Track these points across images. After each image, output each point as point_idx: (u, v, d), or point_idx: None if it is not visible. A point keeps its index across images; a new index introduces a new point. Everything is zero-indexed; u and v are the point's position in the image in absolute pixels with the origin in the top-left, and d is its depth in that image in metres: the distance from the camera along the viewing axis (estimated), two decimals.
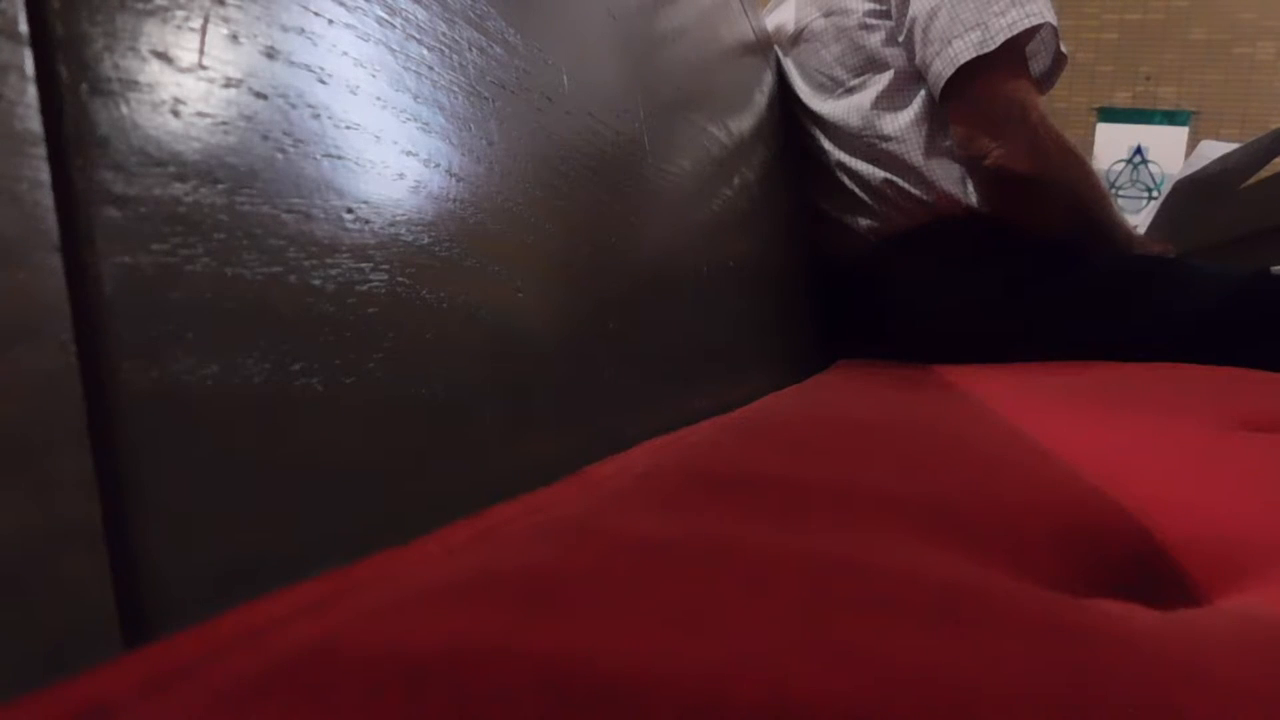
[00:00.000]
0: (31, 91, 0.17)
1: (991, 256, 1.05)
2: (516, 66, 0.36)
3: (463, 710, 0.13)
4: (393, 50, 0.27)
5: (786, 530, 0.24)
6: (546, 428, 0.36)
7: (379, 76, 0.27)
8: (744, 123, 0.86)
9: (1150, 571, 0.28)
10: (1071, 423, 0.50)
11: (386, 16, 0.27)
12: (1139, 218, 1.36)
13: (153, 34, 0.19)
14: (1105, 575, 0.27)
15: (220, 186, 0.20)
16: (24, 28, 0.17)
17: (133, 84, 0.19)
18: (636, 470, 0.32)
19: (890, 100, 1.08)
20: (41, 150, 0.17)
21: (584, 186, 0.42)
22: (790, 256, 1.04)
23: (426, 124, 0.29)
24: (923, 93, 1.06)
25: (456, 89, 0.31)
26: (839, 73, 1.12)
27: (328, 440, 0.23)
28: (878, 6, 1.07)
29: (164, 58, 0.19)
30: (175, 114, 0.20)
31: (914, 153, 1.07)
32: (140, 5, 0.19)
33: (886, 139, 1.08)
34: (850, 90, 1.11)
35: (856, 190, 1.13)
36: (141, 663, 0.16)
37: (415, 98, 0.28)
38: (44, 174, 0.17)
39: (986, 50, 0.96)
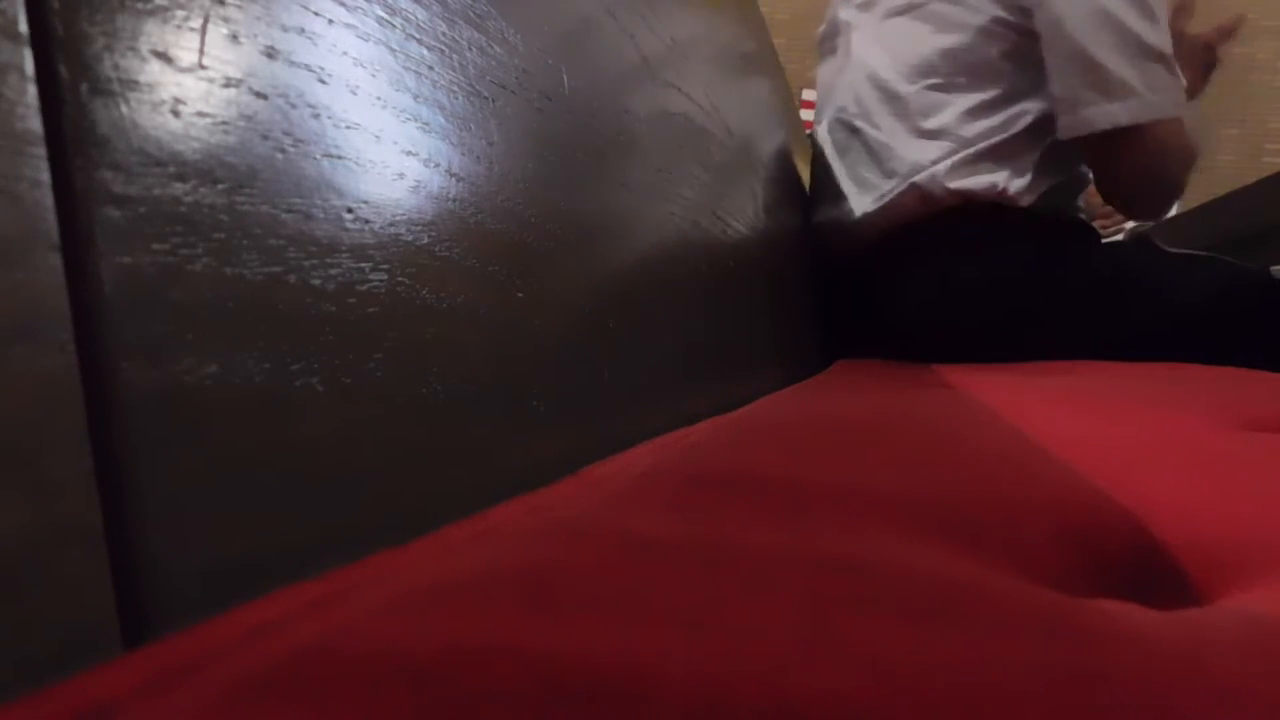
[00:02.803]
0: (31, 91, 0.17)
1: (992, 256, 1.04)
2: (516, 66, 0.36)
3: (463, 710, 0.13)
4: (393, 50, 0.27)
5: (787, 530, 0.24)
6: (546, 427, 0.36)
7: (379, 76, 0.27)
8: (746, 120, 0.86)
9: (1150, 571, 0.28)
10: (1071, 422, 0.50)
11: (386, 16, 0.27)
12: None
13: (153, 34, 0.19)
14: (1105, 575, 0.27)
15: (220, 186, 0.20)
16: (24, 28, 0.17)
17: (133, 84, 0.19)
18: (636, 470, 0.32)
19: (987, 111, 1.04)
20: (41, 150, 0.17)
21: (584, 186, 0.42)
22: (790, 256, 1.04)
23: (426, 124, 0.29)
24: (1020, 110, 1.03)
25: (456, 89, 0.31)
26: (939, 63, 1.06)
27: (328, 440, 0.23)
28: (1009, 17, 1.01)
29: (164, 57, 0.19)
30: (175, 114, 0.20)
31: (985, 159, 1.04)
32: (140, 5, 0.19)
33: (966, 142, 1.04)
34: (945, 88, 1.06)
35: (874, 175, 1.10)
36: (141, 663, 0.16)
37: (415, 97, 0.28)
38: (44, 174, 0.17)
39: (1139, 120, 0.96)
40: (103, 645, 0.17)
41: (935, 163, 1.04)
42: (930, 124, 1.06)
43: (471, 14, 0.33)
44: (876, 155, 1.10)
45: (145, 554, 0.18)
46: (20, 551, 0.15)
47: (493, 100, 0.34)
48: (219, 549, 0.20)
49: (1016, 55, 1.02)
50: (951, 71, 1.05)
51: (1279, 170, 1.34)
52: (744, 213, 0.78)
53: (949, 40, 1.04)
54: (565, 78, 0.41)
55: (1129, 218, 1.12)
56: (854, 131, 1.13)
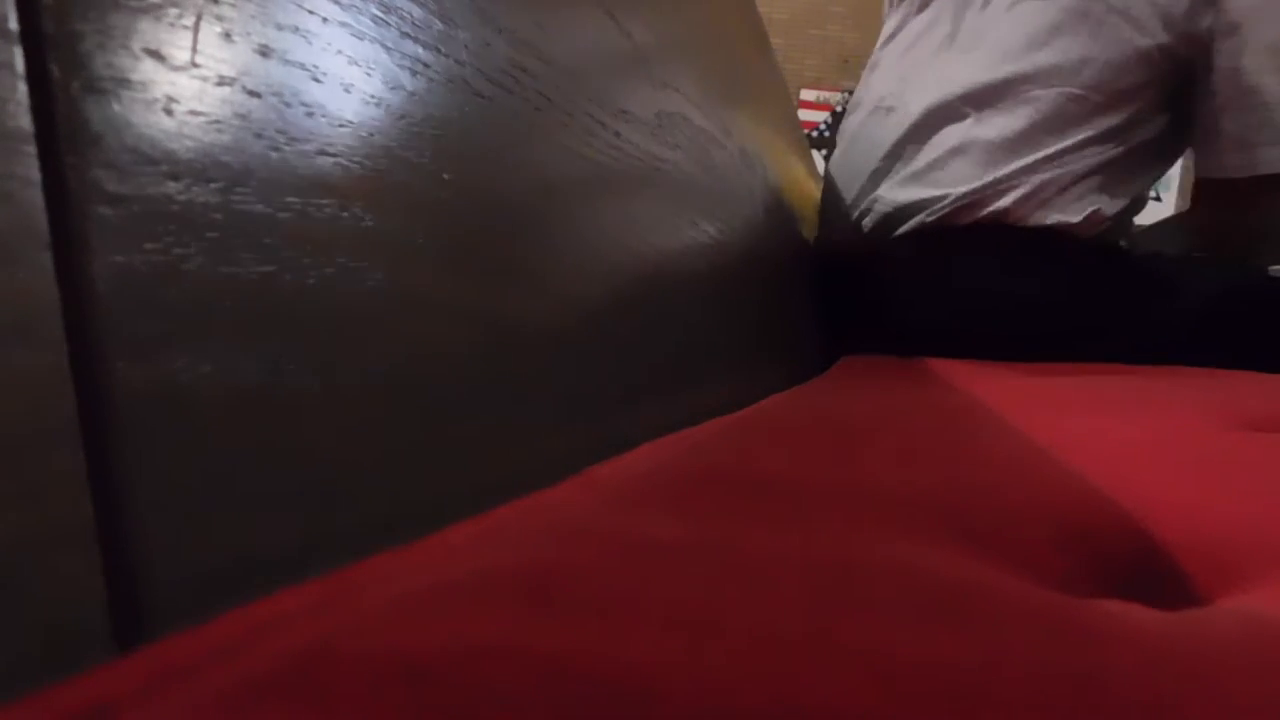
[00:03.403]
0: (22, 89, 0.17)
1: (1024, 271, 1.02)
2: (514, 65, 0.36)
3: (465, 710, 0.13)
4: (388, 48, 0.27)
5: (790, 531, 0.24)
6: (544, 427, 0.35)
7: (374, 75, 0.26)
8: (742, 121, 0.86)
9: (1151, 572, 0.28)
10: (1073, 423, 0.50)
11: (381, 14, 0.27)
12: (1139, 217, 1.36)
13: (145, 32, 0.19)
14: (1107, 575, 0.26)
15: (214, 185, 0.20)
16: (14, 25, 0.17)
17: (125, 82, 0.19)
18: (639, 470, 0.32)
19: (1110, 137, 0.98)
20: (32, 148, 0.17)
21: (582, 186, 0.42)
22: (788, 255, 1.04)
23: (422, 122, 0.29)
24: (1135, 138, 0.98)
25: (453, 88, 0.31)
26: (1084, 75, 0.96)
27: (322, 439, 0.23)
28: (1177, 47, 0.94)
29: (157, 56, 0.19)
30: (168, 112, 0.19)
31: (1088, 187, 0.98)
32: (133, 3, 0.19)
33: (1078, 165, 0.97)
34: (1080, 102, 0.96)
35: (970, 170, 1.01)
36: (143, 663, 0.16)
37: (411, 96, 0.28)
38: (35, 172, 0.17)
39: None
40: (95, 646, 0.17)
41: (1029, 183, 0.97)
42: (1052, 139, 0.97)
43: (468, 12, 0.33)
44: (975, 150, 1.00)
45: (137, 554, 0.18)
46: (11, 552, 0.15)
47: (490, 99, 0.33)
48: (212, 549, 0.19)
49: (1158, 84, 0.97)
50: (1093, 87, 0.96)
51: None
52: (741, 212, 0.78)
53: (1101, 52, 0.95)
54: (564, 77, 0.40)
55: (1216, 250, 1.09)
56: (953, 114, 1.02)
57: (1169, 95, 0.98)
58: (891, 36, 1.16)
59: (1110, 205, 0.99)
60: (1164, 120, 1.00)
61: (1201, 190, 1.06)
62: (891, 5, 1.19)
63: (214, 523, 0.19)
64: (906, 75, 1.11)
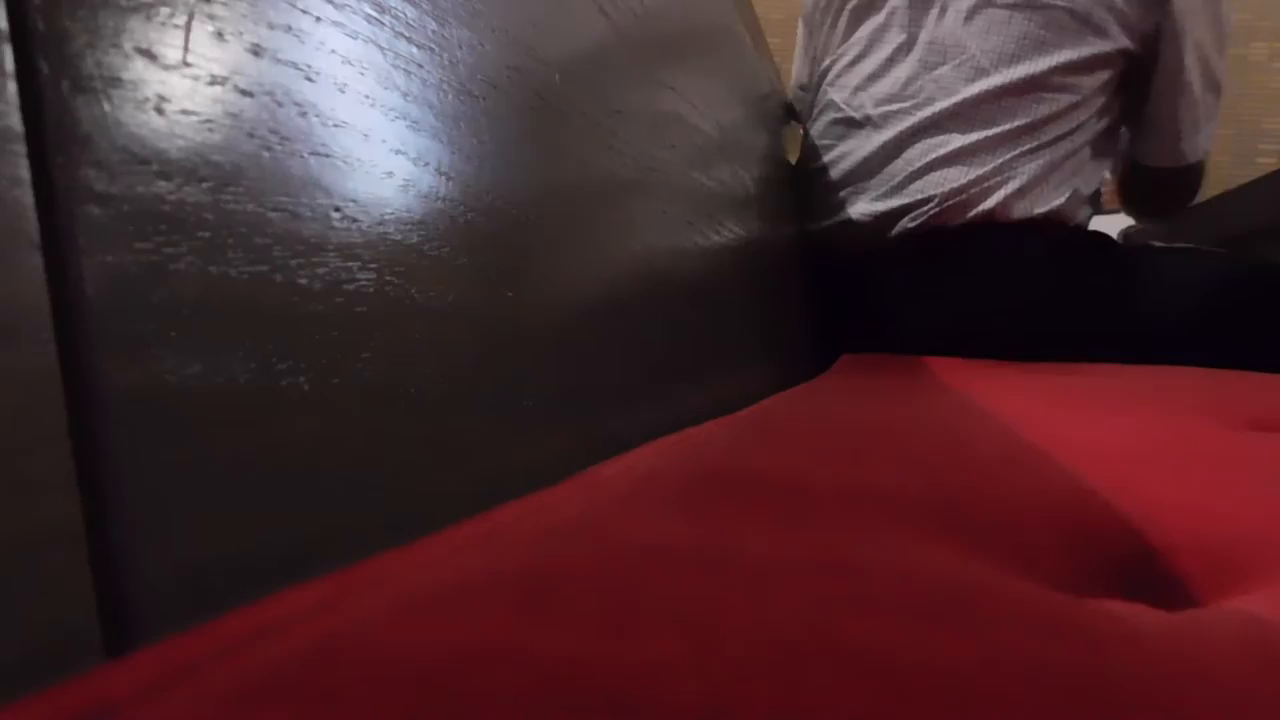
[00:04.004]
0: (11, 88, 0.16)
1: (1027, 274, 1.01)
2: (507, 64, 0.36)
3: (466, 712, 0.13)
4: (381, 48, 0.27)
5: (792, 532, 0.24)
6: (538, 427, 0.35)
7: (367, 74, 0.26)
8: (739, 120, 0.86)
9: (1152, 573, 0.28)
10: (1074, 424, 0.50)
11: (375, 14, 0.27)
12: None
13: (136, 31, 0.19)
14: (1108, 576, 0.26)
15: (205, 185, 0.20)
16: (3, 24, 0.16)
17: (115, 81, 0.18)
18: (641, 471, 0.32)
19: (1077, 134, 1.01)
20: (21, 148, 0.16)
21: (576, 185, 0.42)
22: (785, 254, 1.04)
23: (415, 122, 0.29)
24: (1094, 132, 1.03)
25: (446, 87, 0.31)
26: (1052, 80, 0.99)
27: (314, 440, 0.23)
28: (1134, 48, 0.99)
29: (148, 55, 0.19)
30: (159, 111, 0.19)
31: (1061, 182, 1.03)
32: (123, 2, 0.19)
33: (1049, 163, 1.00)
34: (1051, 104, 0.99)
35: (950, 175, 1.02)
36: (143, 663, 0.15)
37: (404, 96, 0.28)
38: (24, 171, 0.16)
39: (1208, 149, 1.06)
40: (84, 647, 0.16)
41: (1013, 180, 0.99)
42: (1029, 139, 0.99)
43: (462, 11, 0.32)
44: (957, 159, 1.02)
45: (127, 555, 0.17)
46: (0, 552, 0.15)
47: (483, 99, 0.33)
48: (202, 550, 0.19)
49: (1115, 81, 1.02)
50: (1063, 91, 0.99)
51: (1272, 171, 1.34)
52: (737, 212, 0.78)
53: (1068, 59, 0.98)
54: (557, 76, 0.40)
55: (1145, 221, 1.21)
56: (929, 129, 1.03)
57: (1127, 86, 1.04)
58: (846, 41, 1.16)
59: (1086, 185, 1.05)
60: (1122, 104, 1.06)
61: (1133, 173, 1.15)
62: (831, 11, 1.17)
63: (205, 524, 0.19)
64: (863, 86, 1.12)
